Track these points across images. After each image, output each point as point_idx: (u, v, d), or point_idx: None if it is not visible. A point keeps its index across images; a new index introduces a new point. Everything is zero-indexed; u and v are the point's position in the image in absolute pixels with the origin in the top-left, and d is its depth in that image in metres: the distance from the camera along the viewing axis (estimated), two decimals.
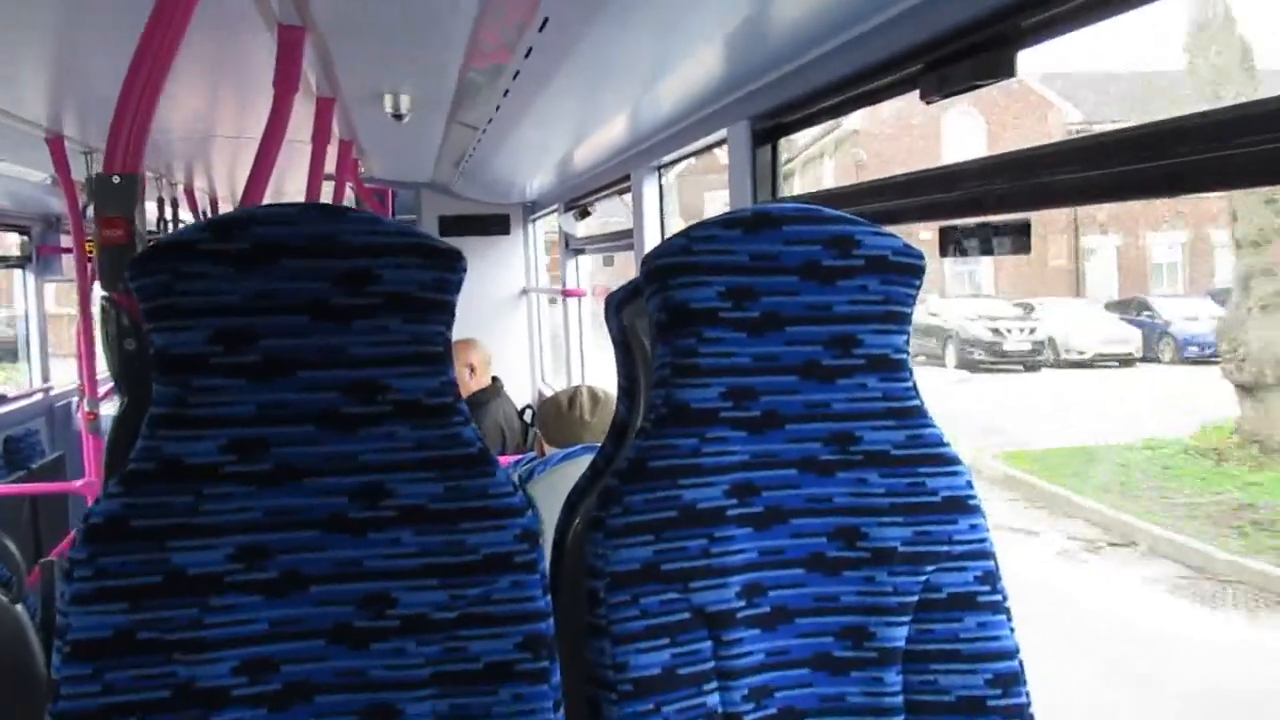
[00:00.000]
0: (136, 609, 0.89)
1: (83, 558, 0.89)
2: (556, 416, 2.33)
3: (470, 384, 3.78)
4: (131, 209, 1.08)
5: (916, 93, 1.47)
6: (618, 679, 0.99)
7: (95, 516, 0.89)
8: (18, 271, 5.07)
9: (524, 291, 4.96)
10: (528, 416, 3.86)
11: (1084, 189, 1.20)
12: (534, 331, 4.99)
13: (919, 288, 1.09)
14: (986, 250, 1.36)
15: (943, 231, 1.42)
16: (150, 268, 0.90)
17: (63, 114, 2.91)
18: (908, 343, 1.10)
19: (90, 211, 3.47)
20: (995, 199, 1.36)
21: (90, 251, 3.55)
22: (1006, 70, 1.28)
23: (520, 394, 4.60)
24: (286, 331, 0.92)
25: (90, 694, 0.88)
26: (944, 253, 1.40)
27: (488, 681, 0.95)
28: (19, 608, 2.14)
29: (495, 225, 4.87)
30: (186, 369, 0.91)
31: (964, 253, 1.40)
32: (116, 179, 1.09)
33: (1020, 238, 1.30)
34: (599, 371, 4.24)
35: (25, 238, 4.97)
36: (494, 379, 3.87)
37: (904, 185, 1.63)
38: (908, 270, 1.08)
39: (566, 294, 4.52)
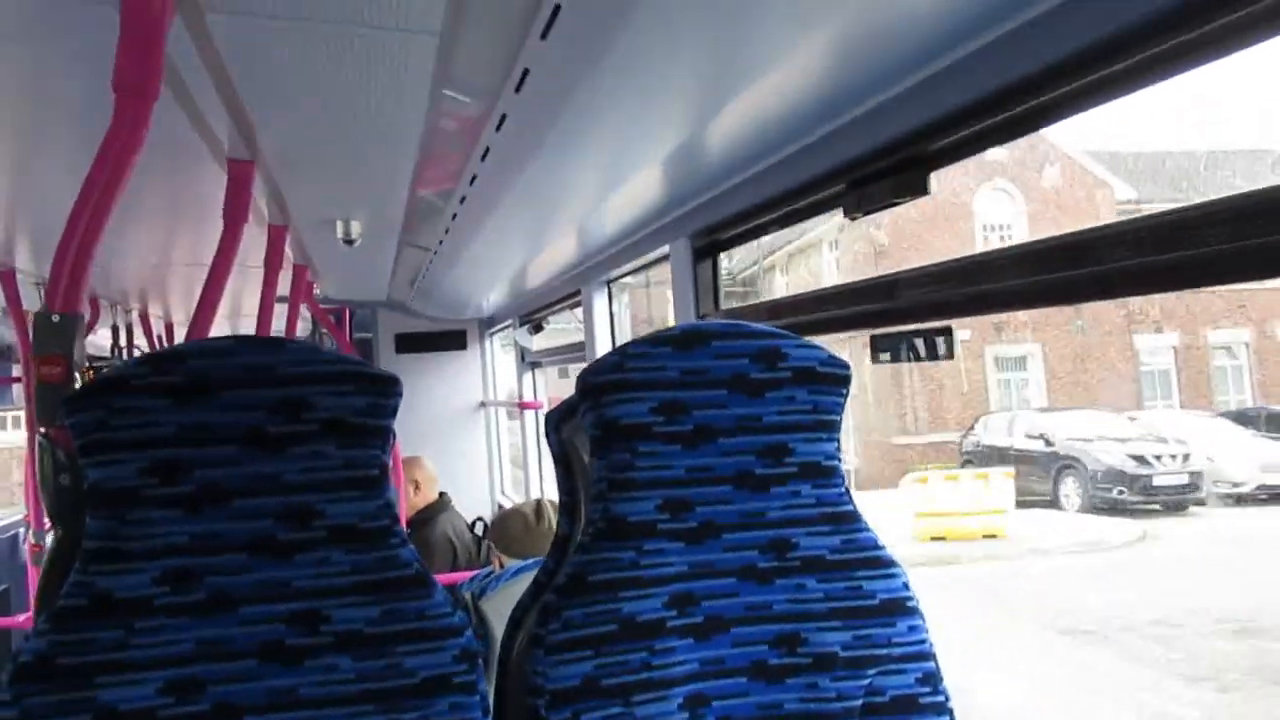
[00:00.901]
0: None
1: (8, 699, 0.88)
2: (524, 531, 2.32)
3: (416, 500, 3.78)
4: (70, 347, 1.10)
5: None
6: None
7: (24, 655, 0.89)
8: None
9: (482, 404, 4.98)
10: (479, 529, 3.84)
11: (1012, 295, 1.26)
12: (492, 444, 5.00)
13: (846, 396, 1.13)
14: (919, 357, 1.42)
15: (873, 339, 1.47)
16: (85, 404, 0.92)
17: (15, 246, 2.94)
18: (838, 449, 1.13)
19: None
20: (927, 308, 1.42)
21: None
22: (920, 189, 1.36)
23: (479, 506, 4.58)
24: (220, 461, 0.93)
25: None
26: (874, 359, 1.45)
27: None
28: None
29: (452, 341, 4.93)
30: (120, 502, 0.92)
31: (895, 359, 1.45)
32: (56, 318, 1.11)
33: (945, 341, 1.36)
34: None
35: None
36: (441, 494, 3.87)
37: (838, 296, 1.69)
38: (834, 380, 1.12)
39: (523, 406, 4.55)
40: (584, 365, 3.23)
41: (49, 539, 3.30)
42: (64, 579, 0.93)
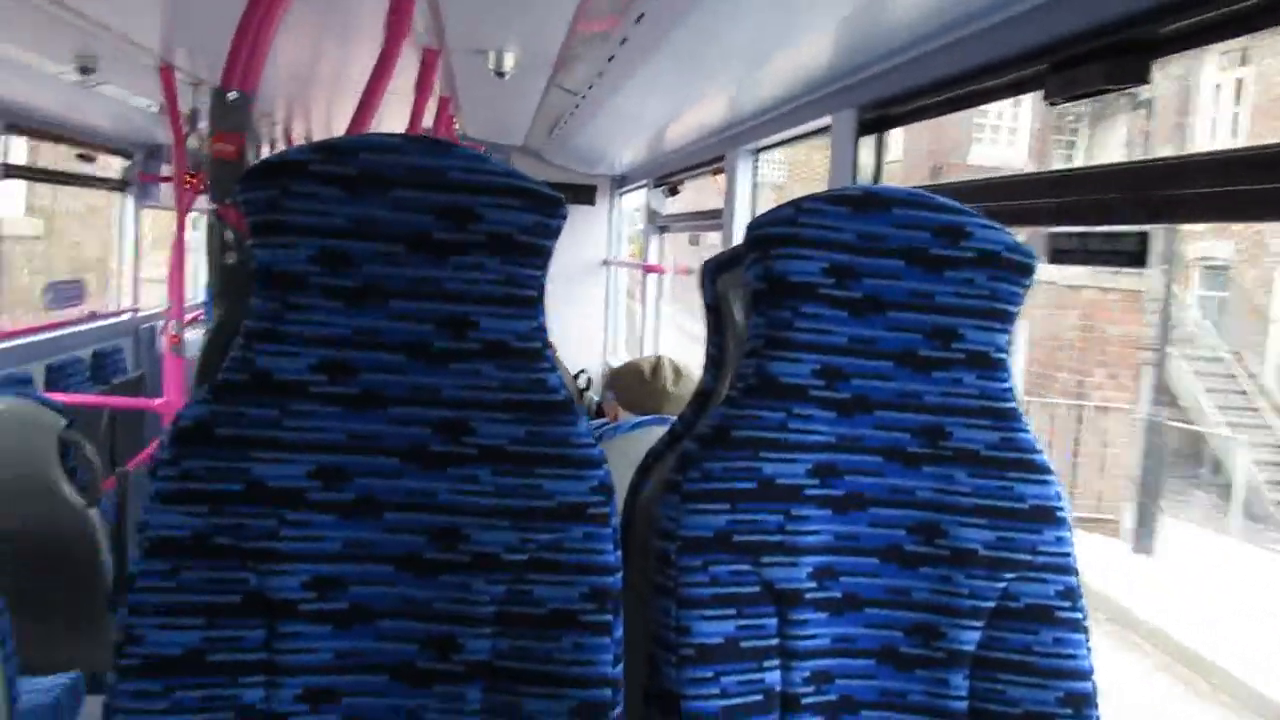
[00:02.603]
0: (216, 514, 0.91)
1: (168, 458, 0.91)
2: (639, 383, 2.33)
3: None
4: (244, 125, 1.10)
5: None
6: (680, 642, 0.98)
7: (184, 420, 0.91)
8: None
9: (604, 263, 4.97)
10: (582, 381, 3.88)
11: (1209, 206, 1.16)
12: (610, 303, 5.01)
13: (1028, 288, 1.06)
14: (1105, 260, 1.32)
15: (1051, 238, 1.38)
16: (260, 183, 0.91)
17: (175, 44, 2.98)
18: (1010, 343, 1.07)
19: (190, 141, 3.53)
20: (1112, 209, 1.31)
21: (188, 181, 3.64)
22: (1138, 77, 1.24)
23: (588, 363, 4.63)
24: (385, 259, 0.92)
25: (164, 589, 0.90)
26: (1053, 260, 1.36)
27: (551, 627, 0.95)
28: (93, 511, 2.23)
29: (582, 194, 4.90)
30: (286, 286, 0.92)
31: (1076, 261, 1.36)
32: (233, 95, 1.10)
33: (1136, 252, 1.26)
34: (668, 349, 4.24)
35: (128, 162, 5.11)
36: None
37: (1008, 186, 1.59)
38: (1018, 269, 1.04)
39: (647, 269, 4.52)
40: (718, 234, 3.15)
41: (187, 332, 3.46)
42: (223, 354, 0.95)
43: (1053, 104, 1.37)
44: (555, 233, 0.97)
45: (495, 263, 0.94)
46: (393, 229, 0.92)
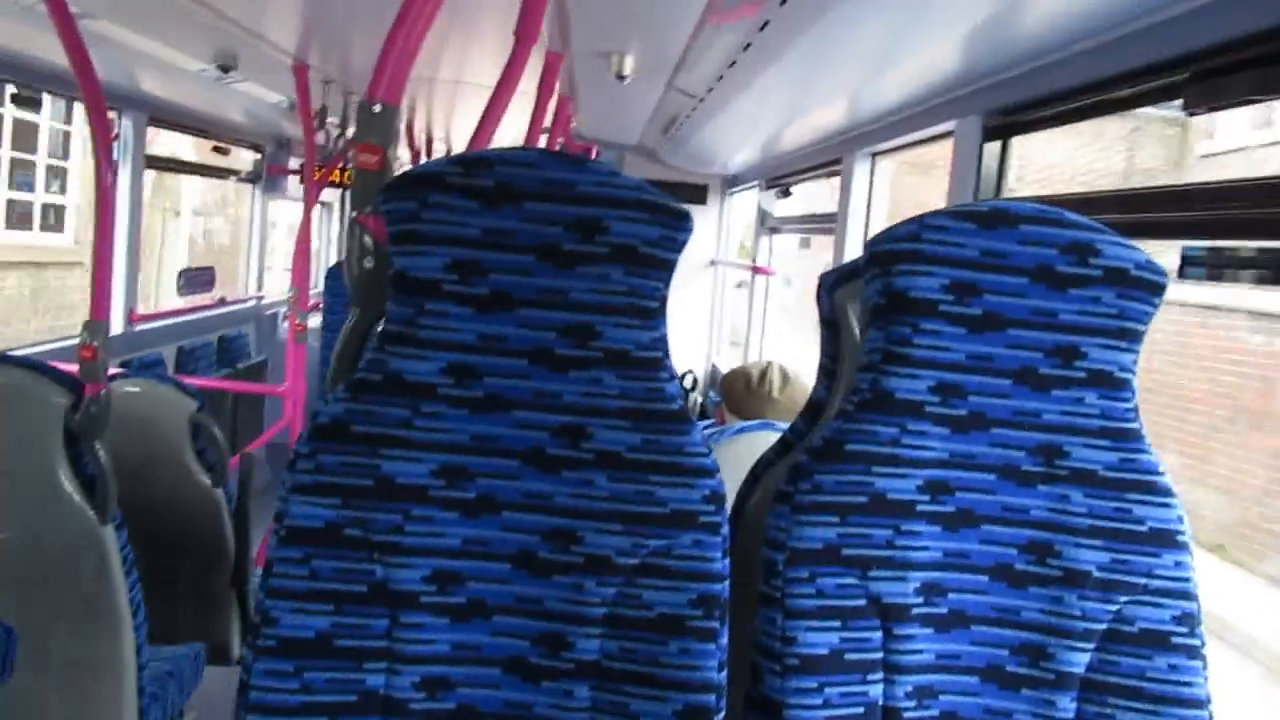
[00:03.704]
0: (346, 506, 0.95)
1: (306, 452, 0.96)
2: (745, 388, 2.33)
3: None
4: (388, 138, 1.14)
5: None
6: (785, 651, 0.99)
7: (322, 416, 0.96)
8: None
9: (712, 263, 4.98)
10: (688, 382, 3.89)
11: None
12: (716, 304, 5.01)
13: (1158, 306, 1.03)
14: (1233, 277, 1.27)
15: (1185, 252, 1.33)
16: (401, 194, 0.96)
17: (310, 44, 3.09)
18: (1135, 363, 1.04)
19: (320, 136, 3.64)
20: (1238, 224, 1.26)
21: (318, 174, 3.77)
22: None
23: (693, 363, 4.63)
24: (515, 269, 0.96)
25: (298, 576, 0.95)
26: (1182, 275, 1.31)
27: (659, 631, 0.97)
28: (220, 492, 2.34)
29: (693, 194, 4.91)
30: (421, 292, 0.96)
31: (1209, 277, 1.31)
32: (377, 108, 1.15)
33: (1274, 269, 1.21)
34: (773, 351, 4.22)
35: (258, 155, 5.33)
36: None
37: (1145, 198, 1.54)
38: (1148, 287, 1.02)
39: (756, 270, 4.51)
40: (831, 238, 3.13)
41: (310, 319, 3.59)
42: (357, 354, 0.99)
43: (1192, 114, 1.33)
44: (680, 246, 0.98)
45: (620, 273, 0.97)
46: (523, 240, 0.95)
